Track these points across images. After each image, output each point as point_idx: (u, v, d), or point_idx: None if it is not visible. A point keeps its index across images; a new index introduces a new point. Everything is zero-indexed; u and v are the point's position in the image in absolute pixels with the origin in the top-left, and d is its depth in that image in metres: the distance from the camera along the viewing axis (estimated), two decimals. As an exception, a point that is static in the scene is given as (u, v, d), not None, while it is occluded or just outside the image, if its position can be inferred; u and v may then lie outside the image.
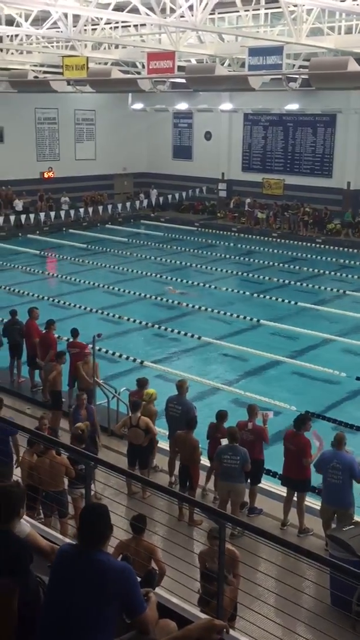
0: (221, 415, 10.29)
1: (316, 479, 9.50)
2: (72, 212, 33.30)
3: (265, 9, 15.82)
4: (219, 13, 16.54)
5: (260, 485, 10.15)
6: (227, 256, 28.13)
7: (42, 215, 32.15)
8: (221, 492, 9.63)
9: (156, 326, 18.87)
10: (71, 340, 13.65)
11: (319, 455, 9.24)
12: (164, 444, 11.19)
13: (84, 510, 3.87)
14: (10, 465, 8.92)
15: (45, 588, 3.72)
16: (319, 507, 9.36)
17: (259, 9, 15.88)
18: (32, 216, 31.90)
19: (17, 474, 8.20)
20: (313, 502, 9.76)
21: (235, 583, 6.36)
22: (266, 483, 10.42)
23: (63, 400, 13.21)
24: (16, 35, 18.13)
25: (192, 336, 18.03)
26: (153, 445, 10.67)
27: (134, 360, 16.15)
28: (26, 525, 4.37)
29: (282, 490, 9.95)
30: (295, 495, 9.56)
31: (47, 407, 12.82)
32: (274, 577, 6.67)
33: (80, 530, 3.66)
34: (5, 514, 3.83)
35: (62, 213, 32.98)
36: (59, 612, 3.46)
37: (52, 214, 32.61)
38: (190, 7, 12.16)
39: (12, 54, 19.48)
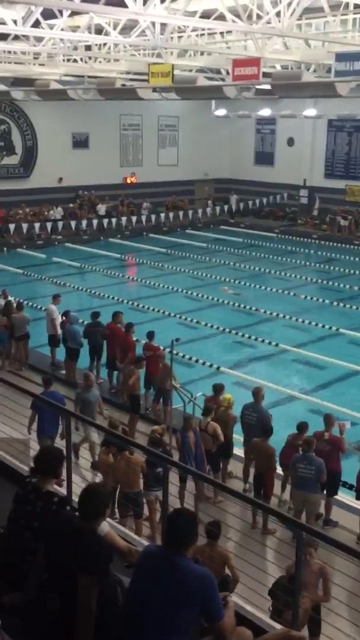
0: (301, 427, 10.17)
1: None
2: (152, 217, 33.70)
3: (354, 14, 15.57)
4: (306, 19, 16.39)
5: (336, 497, 9.98)
6: (307, 263, 27.81)
7: (123, 219, 32.67)
8: (296, 502, 9.54)
9: (233, 332, 18.85)
10: (147, 342, 13.82)
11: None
12: (239, 451, 11.18)
13: (173, 513, 3.90)
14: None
15: (127, 586, 3.78)
16: None
17: (347, 14, 15.64)
18: (113, 220, 32.45)
19: (98, 474, 8.36)
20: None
21: (324, 599, 6.32)
22: (343, 495, 10.24)
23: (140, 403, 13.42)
24: (104, 44, 18.49)
25: (270, 343, 17.92)
26: (226, 450, 10.71)
27: (210, 365, 16.18)
28: (105, 524, 4.47)
29: (359, 504, 9.76)
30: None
31: (125, 410, 13.03)
32: (349, 590, 6.56)
33: (167, 533, 3.71)
34: (91, 513, 3.91)
35: (143, 218, 33.42)
36: (139, 612, 3.52)
37: (134, 218, 33.10)
38: (278, 14, 12.11)
39: (100, 62, 19.89)
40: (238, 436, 11.27)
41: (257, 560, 6.70)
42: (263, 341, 18.09)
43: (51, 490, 4.53)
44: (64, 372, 15.21)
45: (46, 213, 31.57)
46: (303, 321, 19.75)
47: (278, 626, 4.46)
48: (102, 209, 33.15)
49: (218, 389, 11.52)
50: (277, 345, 17.75)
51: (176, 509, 4.00)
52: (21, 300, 17.73)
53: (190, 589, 3.47)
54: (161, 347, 13.37)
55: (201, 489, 9.72)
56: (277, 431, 10.38)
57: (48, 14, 14.76)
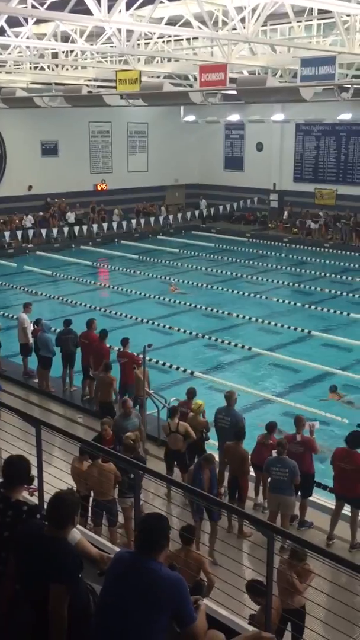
0: (270, 427, 10.26)
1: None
2: (124, 223, 33.69)
3: (318, 19, 15.77)
4: (271, 25, 16.56)
5: (310, 498, 10.04)
6: (279, 267, 27.99)
7: (94, 226, 32.62)
8: (271, 505, 9.58)
9: (206, 337, 18.90)
10: (121, 349, 13.78)
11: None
12: (214, 455, 11.18)
13: (144, 518, 3.89)
14: None
15: (100, 592, 3.76)
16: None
17: (311, 20, 15.83)
18: (84, 228, 32.39)
19: (70, 482, 8.31)
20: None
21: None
22: (317, 496, 10.31)
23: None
24: (71, 51, 18.51)
25: (243, 347, 17.99)
26: (199, 453, 10.73)
27: (184, 370, 16.20)
28: (76, 532, 4.44)
29: (333, 504, 9.82)
30: (350, 510, 9.42)
31: (98, 418, 12.96)
32: (324, 592, 6.59)
33: (138, 538, 3.69)
34: (60, 521, 3.88)
35: (114, 224, 33.39)
36: (111, 618, 3.50)
37: (105, 225, 33.06)
38: (242, 20, 12.22)
39: (67, 69, 19.87)
40: (213, 441, 11.29)
41: (232, 564, 6.71)
42: (236, 345, 18.15)
43: (20, 500, 4.49)
44: (36, 380, 15.12)
45: (17, 221, 31.37)
46: (275, 324, 19.87)
47: (250, 628, 4.47)
48: (71, 216, 33.03)
49: (191, 393, 11.56)
50: (250, 348, 17.83)
51: (147, 513, 3.99)
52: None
53: (161, 593, 3.47)
54: (135, 354, 13.34)
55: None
56: (251, 434, 10.42)
57: (13, 22, 14.72)
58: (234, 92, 17.20)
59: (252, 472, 10.24)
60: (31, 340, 15.23)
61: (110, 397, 12.85)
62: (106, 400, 12.85)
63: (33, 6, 12.50)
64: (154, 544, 3.60)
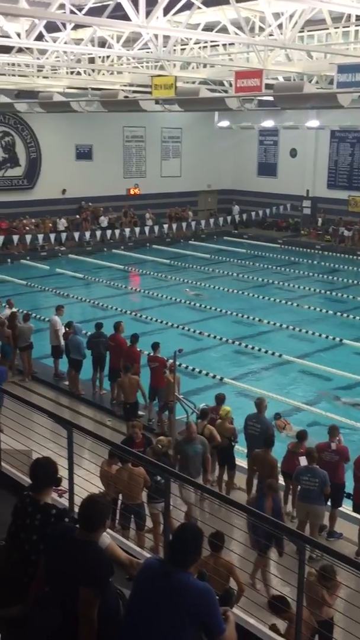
0: (301, 435, 10.18)
1: None
2: (156, 228, 33.78)
3: (355, 25, 15.65)
4: (308, 31, 16.47)
5: (340, 509, 9.93)
6: (311, 274, 27.80)
7: (126, 231, 32.77)
8: (299, 514, 9.49)
9: (237, 343, 18.83)
10: (151, 354, 13.80)
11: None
12: (242, 462, 11.15)
13: (179, 528, 3.85)
14: None
15: (128, 599, 3.75)
16: None
17: (348, 26, 15.72)
18: (116, 232, 32.56)
19: (98, 484, 8.32)
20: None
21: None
22: (346, 507, 10.19)
23: (142, 413, 13.42)
24: (107, 57, 18.62)
25: (273, 354, 17.89)
26: (227, 458, 10.73)
27: (214, 376, 16.15)
28: (106, 536, 4.44)
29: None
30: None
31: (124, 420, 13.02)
32: (353, 603, 6.50)
33: (171, 548, 3.67)
34: (91, 524, 3.88)
35: (147, 229, 33.48)
36: (139, 626, 3.49)
37: (137, 229, 33.18)
38: (280, 26, 12.17)
39: (104, 74, 20.00)
40: (242, 447, 11.24)
41: (260, 573, 6.66)
42: (266, 352, 18.06)
43: (49, 503, 4.50)
44: (67, 383, 15.21)
45: (50, 225, 31.67)
46: (306, 332, 19.73)
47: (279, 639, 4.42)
48: (104, 221, 33.24)
49: (220, 399, 11.55)
50: (280, 355, 17.72)
51: (183, 524, 3.95)
52: (26, 311, 17.75)
53: (190, 604, 3.45)
54: (165, 358, 13.36)
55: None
56: (280, 442, 10.35)
57: (52, 27, 14.86)
58: (269, 98, 17.15)
59: (281, 481, 10.16)
60: (62, 342, 15.33)
61: (134, 398, 12.91)
62: (130, 400, 12.92)
63: (71, 11, 12.58)
64: (186, 556, 3.58)
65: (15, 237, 29.87)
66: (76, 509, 5.22)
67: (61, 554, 3.86)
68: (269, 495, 8.62)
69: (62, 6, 12.02)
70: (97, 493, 4.67)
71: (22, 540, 4.36)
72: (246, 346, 18.63)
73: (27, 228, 30.75)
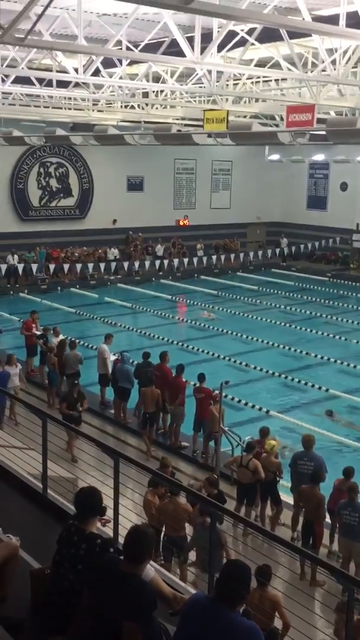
0: (348, 472, 9.98)
1: None
2: (204, 259, 33.96)
3: None
4: (361, 66, 16.52)
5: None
6: (359, 308, 27.46)
7: (175, 261, 33.02)
8: (341, 549, 9.33)
9: (283, 375, 18.66)
10: (198, 385, 13.78)
11: None
12: (287, 498, 10.97)
13: (227, 565, 3.81)
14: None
15: (173, 635, 3.71)
16: None
17: None
18: (165, 262, 32.83)
19: (143, 515, 8.30)
20: None
21: None
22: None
23: (186, 444, 13.41)
24: (161, 91, 19.00)
25: (320, 388, 17.66)
26: (272, 493, 10.64)
27: (260, 409, 16.01)
28: (150, 569, 4.41)
29: None
30: None
31: (173, 452, 13.00)
32: None
33: (219, 585, 3.63)
34: (137, 556, 3.86)
35: (195, 260, 33.67)
36: None
37: (185, 260, 33.41)
38: (333, 62, 12.25)
39: (157, 108, 20.40)
40: (286, 483, 11.07)
41: (304, 612, 6.50)
42: (313, 385, 17.84)
43: (94, 532, 4.50)
44: (112, 411, 15.26)
45: (103, 254, 32.16)
46: (355, 366, 19.44)
47: None
48: (160, 250, 33.62)
49: (263, 432, 11.46)
50: (327, 390, 17.48)
51: (231, 560, 3.90)
52: (73, 339, 17.97)
53: None
54: (212, 389, 13.33)
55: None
56: (326, 479, 10.17)
57: (108, 63, 15.26)
58: (321, 132, 17.19)
59: (328, 519, 9.96)
60: (110, 371, 15.43)
61: (154, 408, 13.62)
62: (149, 410, 13.59)
63: (128, 48, 12.93)
64: (234, 593, 3.55)
65: (66, 266, 30.40)
66: (120, 539, 5.22)
67: (105, 586, 3.84)
68: None
69: (118, 42, 12.36)
70: (142, 524, 4.65)
71: (67, 569, 4.37)
72: (292, 379, 18.44)
73: (78, 257, 31.27)
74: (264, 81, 17.95)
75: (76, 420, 12.81)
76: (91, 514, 4.53)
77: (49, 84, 16.67)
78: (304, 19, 9.12)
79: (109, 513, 5.67)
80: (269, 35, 12.61)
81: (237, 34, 12.62)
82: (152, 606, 3.77)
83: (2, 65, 14.97)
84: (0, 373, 14.02)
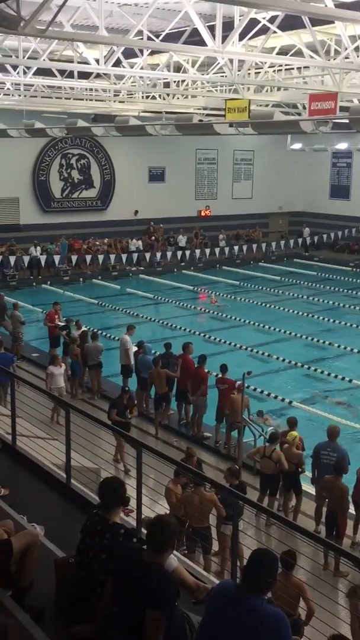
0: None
1: None
2: (226, 249, 33.86)
3: None
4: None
5: None
6: (383, 298, 27.23)
7: (197, 252, 32.97)
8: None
9: (305, 366, 18.58)
10: (220, 376, 13.78)
11: None
12: (308, 488, 10.95)
13: (255, 553, 3.82)
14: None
15: (200, 622, 3.73)
16: None
17: None
18: (187, 252, 32.79)
19: (163, 504, 8.32)
20: None
21: None
22: None
23: (209, 435, 13.43)
24: (182, 81, 18.93)
25: (343, 378, 17.56)
26: (295, 484, 10.61)
27: (282, 399, 15.97)
28: (173, 559, 4.43)
29: None
30: None
31: (195, 442, 13.02)
32: None
33: (246, 573, 3.65)
34: (161, 546, 3.89)
35: (217, 250, 33.60)
36: None
37: (207, 250, 33.35)
38: (356, 48, 12.11)
39: (178, 98, 20.34)
40: (308, 473, 11.05)
41: (327, 603, 6.50)
42: (336, 376, 17.74)
43: (118, 522, 4.53)
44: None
45: (125, 244, 32.21)
46: (378, 357, 19.30)
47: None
48: (182, 240, 33.58)
49: (291, 422, 11.42)
50: (350, 380, 17.38)
51: (258, 550, 3.90)
52: (95, 330, 18.03)
53: (265, 629, 3.43)
54: (234, 380, 13.32)
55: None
56: (350, 470, 10.12)
57: (129, 53, 15.24)
58: (344, 120, 17.00)
59: (352, 510, 9.92)
60: (132, 361, 15.49)
61: (165, 389, 14.06)
62: (161, 392, 14.01)
63: (149, 38, 12.88)
64: (261, 581, 3.57)
65: (88, 257, 30.50)
66: (143, 529, 5.25)
67: (128, 576, 3.88)
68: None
69: (139, 32, 12.32)
70: (165, 514, 4.67)
71: (91, 558, 4.41)
72: (315, 370, 18.36)
73: (99, 248, 31.35)
74: (286, 69, 17.80)
75: (126, 427, 11.59)
76: (114, 505, 4.57)
77: (70, 75, 16.67)
78: (326, 5, 9.02)
79: (132, 503, 5.71)
80: (290, 23, 12.50)
81: (259, 22, 12.53)
82: (175, 595, 3.79)
83: (23, 57, 15.02)
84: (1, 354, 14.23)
